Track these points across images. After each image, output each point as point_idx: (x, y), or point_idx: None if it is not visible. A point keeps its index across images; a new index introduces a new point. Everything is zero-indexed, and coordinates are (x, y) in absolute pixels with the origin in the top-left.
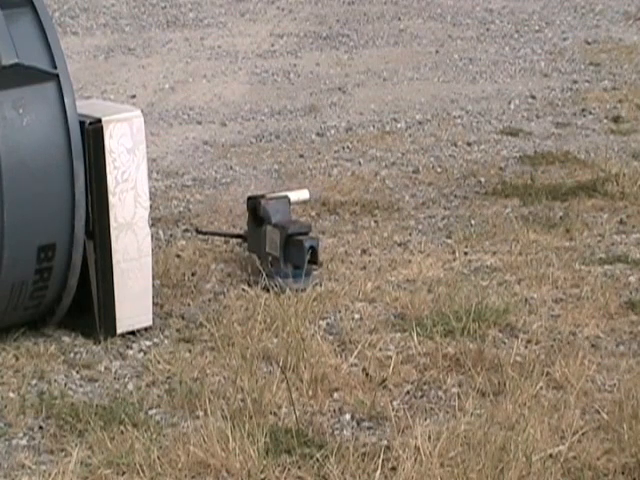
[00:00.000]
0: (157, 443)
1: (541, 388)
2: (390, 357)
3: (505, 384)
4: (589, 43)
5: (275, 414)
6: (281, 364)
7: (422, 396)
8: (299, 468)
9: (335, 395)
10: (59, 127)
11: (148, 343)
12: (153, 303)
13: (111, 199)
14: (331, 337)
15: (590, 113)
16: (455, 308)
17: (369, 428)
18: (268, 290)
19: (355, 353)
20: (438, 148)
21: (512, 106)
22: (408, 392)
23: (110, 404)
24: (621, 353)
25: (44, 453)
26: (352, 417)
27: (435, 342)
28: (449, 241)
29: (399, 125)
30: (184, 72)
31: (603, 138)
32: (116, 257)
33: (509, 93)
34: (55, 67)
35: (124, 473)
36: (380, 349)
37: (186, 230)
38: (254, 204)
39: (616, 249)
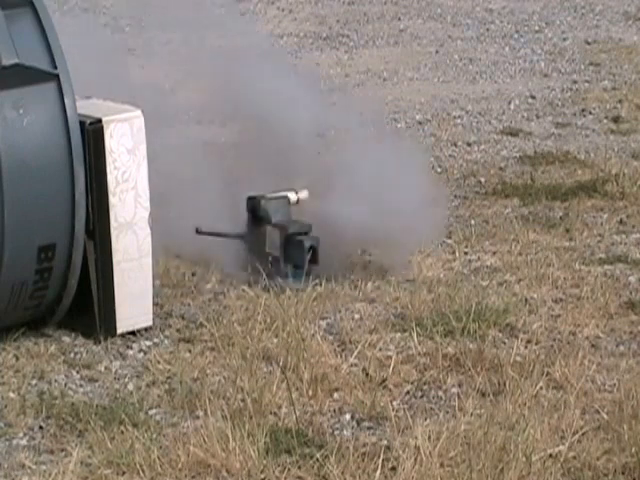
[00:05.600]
0: (157, 443)
1: (541, 388)
2: (390, 357)
3: (505, 384)
4: (589, 43)
5: (275, 414)
6: (281, 364)
7: (422, 396)
8: (299, 468)
9: (335, 395)
10: (59, 127)
11: (148, 343)
12: (153, 303)
13: (111, 199)
14: (331, 337)
15: (590, 113)
16: (455, 308)
17: (369, 428)
18: (268, 290)
19: (355, 353)
20: (438, 148)
21: (512, 106)
22: (408, 392)
23: (110, 404)
24: (621, 353)
25: (44, 453)
26: (352, 417)
27: (435, 342)
28: (449, 241)
29: (399, 125)
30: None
31: (603, 138)
32: (116, 257)
33: (509, 93)
34: (55, 67)
35: (124, 473)
36: (380, 349)
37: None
38: (254, 204)
39: (616, 249)
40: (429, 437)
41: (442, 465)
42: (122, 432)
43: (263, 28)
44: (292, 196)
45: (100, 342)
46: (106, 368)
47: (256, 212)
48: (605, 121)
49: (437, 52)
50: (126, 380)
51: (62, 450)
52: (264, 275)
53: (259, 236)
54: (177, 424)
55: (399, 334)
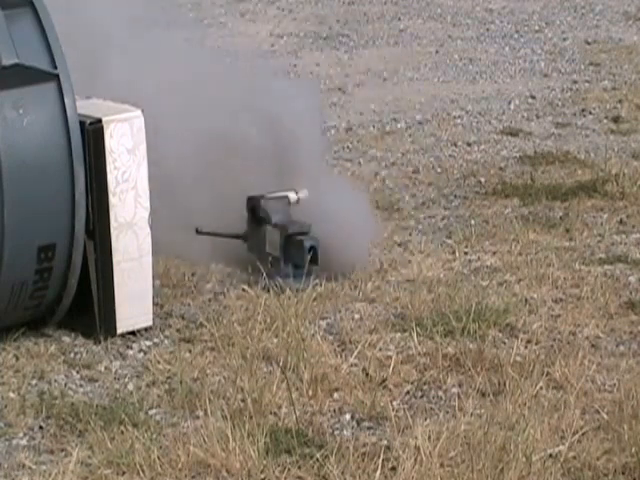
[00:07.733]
0: (157, 443)
1: (541, 388)
2: (390, 357)
3: (505, 384)
4: (589, 43)
5: (275, 414)
6: (281, 364)
7: (422, 396)
8: (299, 468)
9: (335, 395)
10: (59, 127)
11: (148, 343)
12: (153, 303)
13: (111, 199)
14: (331, 337)
15: (590, 113)
16: (455, 308)
17: (369, 428)
18: (268, 290)
19: (355, 353)
20: (438, 148)
21: (512, 106)
22: (408, 392)
23: (110, 404)
24: (621, 353)
25: (44, 453)
26: (352, 417)
27: (435, 342)
28: (449, 241)
29: (399, 125)
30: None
31: (603, 138)
32: (116, 257)
33: (509, 93)
34: (55, 67)
35: (124, 473)
36: (380, 349)
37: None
38: (254, 204)
39: (616, 249)
40: (429, 437)
41: (442, 465)
42: (122, 432)
43: (263, 28)
44: (292, 196)
45: (100, 342)
46: (106, 368)
47: (256, 212)
48: (605, 121)
49: (437, 52)
50: (126, 380)
51: (62, 450)
52: (264, 275)
53: (259, 236)
54: (177, 424)
55: (399, 334)
